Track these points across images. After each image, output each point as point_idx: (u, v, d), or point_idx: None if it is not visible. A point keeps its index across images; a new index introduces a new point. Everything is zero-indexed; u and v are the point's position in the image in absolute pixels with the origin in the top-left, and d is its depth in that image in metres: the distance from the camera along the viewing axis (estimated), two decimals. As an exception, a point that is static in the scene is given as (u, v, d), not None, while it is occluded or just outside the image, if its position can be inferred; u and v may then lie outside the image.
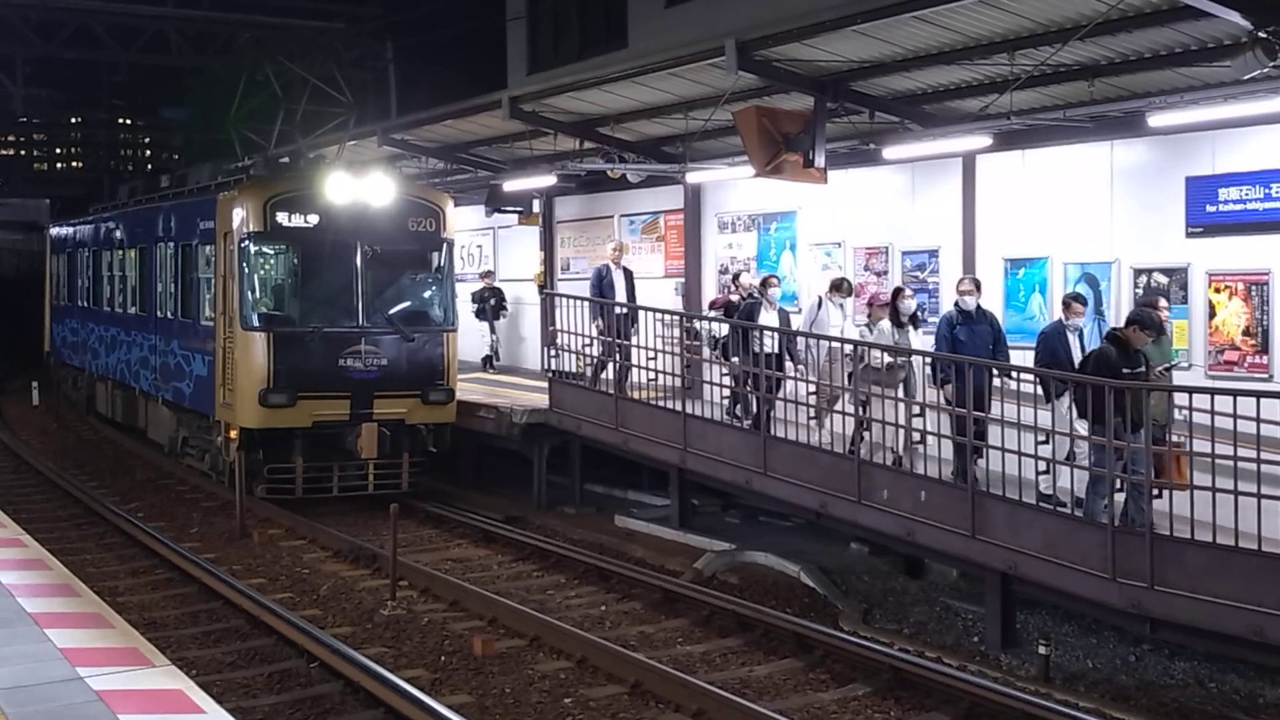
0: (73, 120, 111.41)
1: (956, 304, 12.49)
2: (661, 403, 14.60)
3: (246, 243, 15.80)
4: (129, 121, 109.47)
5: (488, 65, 27.00)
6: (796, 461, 12.53)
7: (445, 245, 16.93)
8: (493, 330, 21.86)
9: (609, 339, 15.62)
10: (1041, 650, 9.90)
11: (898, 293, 13.18)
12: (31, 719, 5.89)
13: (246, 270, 15.79)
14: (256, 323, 15.68)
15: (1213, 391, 9.60)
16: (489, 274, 22.42)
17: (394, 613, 11.45)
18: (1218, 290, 12.03)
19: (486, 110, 17.26)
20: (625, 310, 15.79)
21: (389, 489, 15.90)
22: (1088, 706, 9.01)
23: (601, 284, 16.55)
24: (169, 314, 19.03)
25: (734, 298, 15.42)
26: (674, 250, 19.08)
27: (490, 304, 21.74)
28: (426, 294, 16.92)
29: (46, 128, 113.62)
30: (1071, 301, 11.75)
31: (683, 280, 18.66)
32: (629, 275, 17.10)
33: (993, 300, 13.97)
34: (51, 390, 27.86)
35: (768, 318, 14.02)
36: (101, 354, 23.51)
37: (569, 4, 23.56)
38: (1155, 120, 11.59)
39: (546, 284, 20.68)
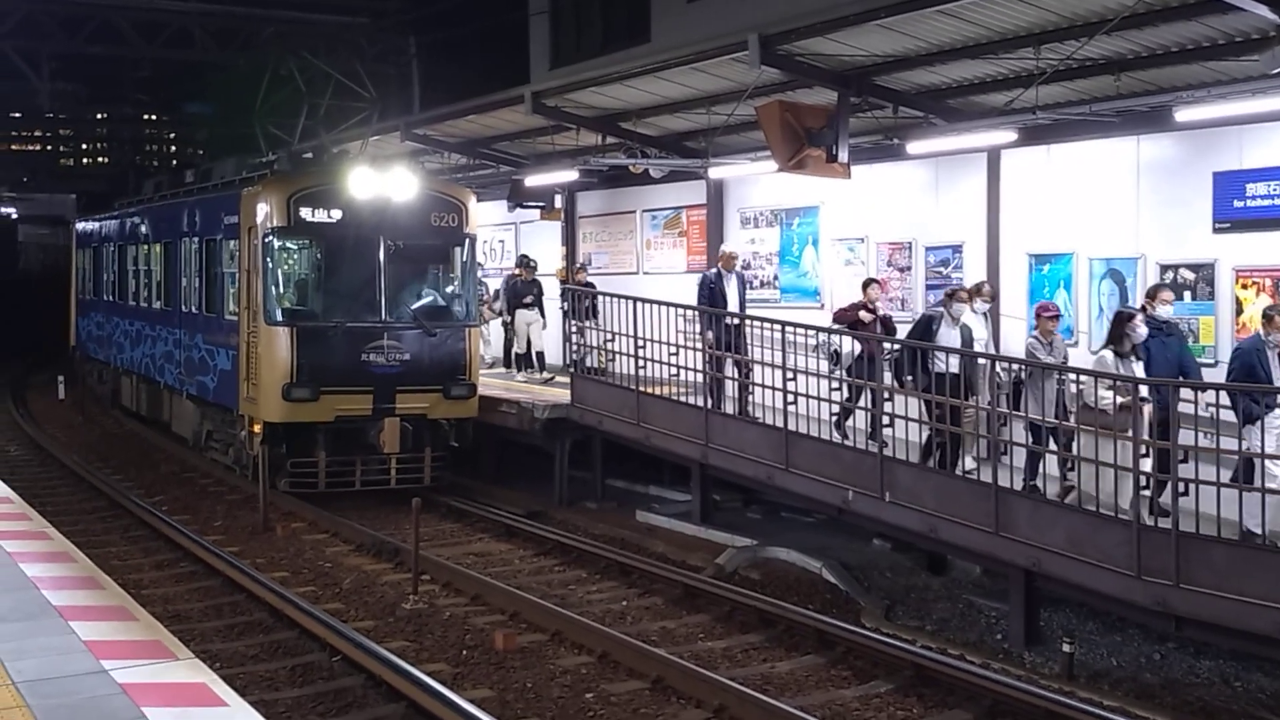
0: (98, 116, 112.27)
1: (1146, 313, 11.14)
2: (683, 398, 14.58)
3: (270, 238, 15.85)
4: (153, 117, 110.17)
5: (510, 60, 26.98)
6: (819, 457, 12.48)
7: (468, 240, 16.94)
8: (582, 335, 18.91)
9: (732, 355, 14.23)
10: (1065, 648, 9.84)
11: (1125, 319, 10.94)
12: (56, 712, 5.92)
13: (270, 265, 15.85)
14: (280, 317, 15.72)
15: None
16: (583, 268, 20.02)
17: (416, 607, 11.48)
18: (1245, 286, 11.92)
19: (509, 105, 17.28)
20: (736, 321, 14.52)
21: (411, 484, 15.90)
22: (1111, 705, 8.95)
23: (712, 293, 15.00)
24: (193, 309, 19.11)
25: (865, 315, 13.79)
26: (696, 246, 19.04)
27: (585, 305, 17.69)
28: (449, 289, 16.95)
29: (72, 123, 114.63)
30: (1274, 315, 10.34)
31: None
32: (743, 282, 15.67)
33: (1017, 297, 13.93)
34: (77, 384, 28.06)
35: (949, 335, 12.40)
36: (126, 348, 23.63)
37: (591, -1, 23.56)
38: (1182, 115, 11.48)
39: (568, 279, 20.65)
